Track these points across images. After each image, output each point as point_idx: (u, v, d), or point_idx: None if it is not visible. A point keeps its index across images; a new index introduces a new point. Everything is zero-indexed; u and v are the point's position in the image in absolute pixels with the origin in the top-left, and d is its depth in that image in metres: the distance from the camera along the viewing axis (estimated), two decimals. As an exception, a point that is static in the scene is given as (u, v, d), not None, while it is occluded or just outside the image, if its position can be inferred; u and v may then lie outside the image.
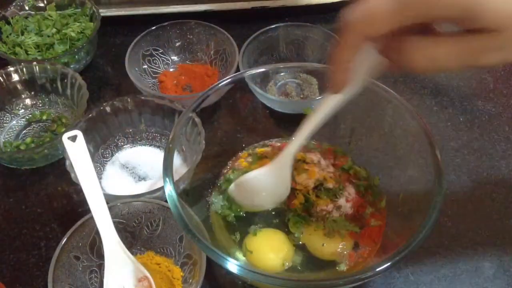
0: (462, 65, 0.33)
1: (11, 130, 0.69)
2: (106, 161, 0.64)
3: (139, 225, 0.54)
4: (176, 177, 0.48)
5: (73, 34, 0.74)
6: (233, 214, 0.53)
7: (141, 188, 0.61)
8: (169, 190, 0.45)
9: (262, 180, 0.52)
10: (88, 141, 0.56)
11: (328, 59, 0.38)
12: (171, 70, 0.76)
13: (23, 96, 0.70)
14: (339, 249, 0.50)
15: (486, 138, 0.67)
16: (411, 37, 0.33)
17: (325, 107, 0.44)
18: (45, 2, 0.79)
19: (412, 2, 0.31)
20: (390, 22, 0.32)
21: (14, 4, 0.77)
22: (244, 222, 0.53)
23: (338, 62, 0.37)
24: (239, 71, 0.61)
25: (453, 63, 0.33)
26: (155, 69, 0.75)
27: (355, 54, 0.36)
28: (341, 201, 0.54)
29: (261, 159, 0.58)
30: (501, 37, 0.31)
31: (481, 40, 0.31)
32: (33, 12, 0.78)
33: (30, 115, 0.70)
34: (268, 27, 0.74)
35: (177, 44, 0.77)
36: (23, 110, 0.70)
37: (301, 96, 0.71)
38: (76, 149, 0.52)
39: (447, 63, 0.33)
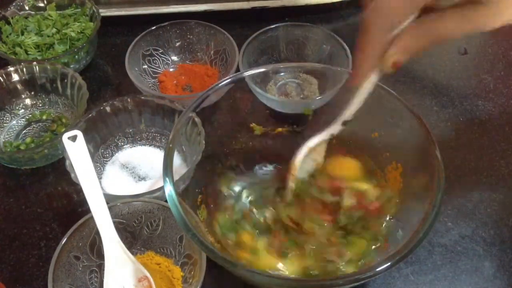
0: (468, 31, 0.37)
1: (11, 130, 0.69)
2: (106, 161, 0.64)
3: (139, 225, 0.54)
4: (176, 177, 0.48)
5: (73, 34, 0.74)
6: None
7: (141, 188, 0.61)
8: (169, 190, 0.45)
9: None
10: (88, 141, 0.56)
11: (357, 53, 0.41)
12: (171, 70, 0.76)
13: (23, 96, 0.70)
14: None
15: (486, 138, 0.67)
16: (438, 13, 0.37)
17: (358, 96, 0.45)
18: (45, 2, 0.79)
19: None
20: (404, 13, 0.36)
21: (14, 4, 0.77)
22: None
23: (366, 57, 0.40)
24: (239, 71, 0.61)
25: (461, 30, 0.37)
26: (155, 69, 0.75)
27: (382, 48, 0.39)
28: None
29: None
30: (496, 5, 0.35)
31: (480, 10, 0.36)
32: (33, 12, 0.78)
33: (30, 115, 0.70)
34: (268, 27, 0.74)
35: (177, 44, 0.77)
36: (23, 110, 0.70)
37: (301, 96, 0.71)
38: (76, 149, 0.52)
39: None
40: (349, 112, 0.48)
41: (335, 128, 0.50)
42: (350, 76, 0.44)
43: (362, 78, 0.43)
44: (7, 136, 0.68)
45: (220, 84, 0.54)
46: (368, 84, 0.44)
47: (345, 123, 0.49)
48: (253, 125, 0.58)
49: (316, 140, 0.51)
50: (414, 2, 0.36)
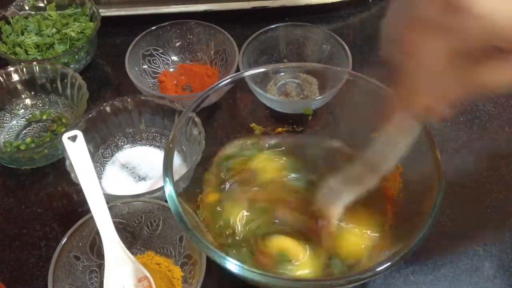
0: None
1: (11, 130, 0.69)
2: (106, 161, 0.64)
3: (139, 225, 0.54)
4: (176, 177, 0.48)
5: (73, 34, 0.74)
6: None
7: (141, 188, 0.61)
8: (169, 190, 0.45)
9: None
10: (88, 141, 0.56)
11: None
12: (171, 70, 0.76)
13: (23, 96, 0.70)
14: None
15: (486, 138, 0.67)
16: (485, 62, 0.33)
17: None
18: (45, 2, 0.79)
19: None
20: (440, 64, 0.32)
21: (14, 4, 0.77)
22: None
23: (401, 105, 0.37)
24: (239, 71, 0.61)
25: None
26: (155, 69, 0.75)
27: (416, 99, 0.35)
28: None
29: None
30: None
31: None
32: (33, 12, 0.78)
33: (30, 115, 0.70)
34: (268, 27, 0.74)
35: (177, 44, 0.77)
36: (23, 110, 0.70)
37: (301, 96, 0.71)
38: (76, 149, 0.52)
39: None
40: (387, 164, 0.45)
41: (371, 182, 0.46)
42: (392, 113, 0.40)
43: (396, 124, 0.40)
44: (7, 136, 0.68)
45: (220, 84, 0.54)
46: (402, 133, 0.41)
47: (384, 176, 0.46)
48: (253, 125, 0.58)
49: (352, 197, 0.48)
50: (453, 54, 0.31)
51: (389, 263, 0.39)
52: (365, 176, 0.47)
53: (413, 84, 0.35)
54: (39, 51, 0.74)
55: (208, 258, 0.47)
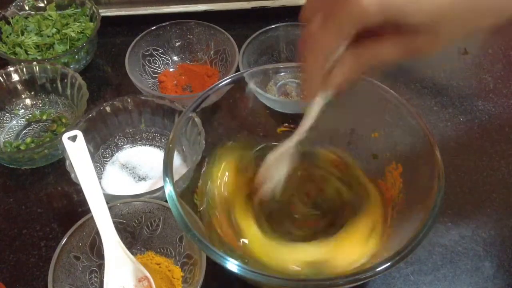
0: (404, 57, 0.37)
1: (11, 130, 0.69)
2: (106, 161, 0.64)
3: (139, 225, 0.54)
4: (176, 177, 0.48)
5: (73, 34, 0.74)
6: None
7: (141, 188, 0.61)
8: (169, 190, 0.45)
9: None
10: (88, 141, 0.56)
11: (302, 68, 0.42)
12: (171, 70, 0.76)
13: (23, 96, 0.70)
14: None
15: (486, 138, 0.67)
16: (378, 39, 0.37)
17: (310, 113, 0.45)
18: (45, 2, 0.79)
19: (346, 22, 0.35)
20: (334, 44, 0.37)
21: (14, 4, 0.77)
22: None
23: (310, 82, 0.41)
24: (239, 71, 0.61)
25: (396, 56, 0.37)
26: (155, 69, 0.75)
27: (321, 76, 0.39)
28: None
29: None
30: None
31: (417, 38, 0.35)
32: (33, 12, 0.78)
33: (30, 115, 0.70)
34: (268, 27, 0.74)
35: (177, 44, 0.77)
36: (23, 110, 0.70)
37: (301, 96, 0.70)
38: (76, 149, 0.52)
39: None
40: (302, 129, 0.47)
41: (291, 141, 0.48)
42: (302, 96, 0.45)
43: (310, 99, 0.44)
44: (7, 136, 0.68)
45: (220, 84, 0.54)
46: (316, 106, 0.44)
47: (300, 139, 0.48)
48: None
49: (277, 154, 0.49)
50: (342, 35, 0.36)
51: (389, 263, 0.39)
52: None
53: (314, 67, 0.39)
54: (39, 51, 0.74)
55: (208, 258, 0.47)
